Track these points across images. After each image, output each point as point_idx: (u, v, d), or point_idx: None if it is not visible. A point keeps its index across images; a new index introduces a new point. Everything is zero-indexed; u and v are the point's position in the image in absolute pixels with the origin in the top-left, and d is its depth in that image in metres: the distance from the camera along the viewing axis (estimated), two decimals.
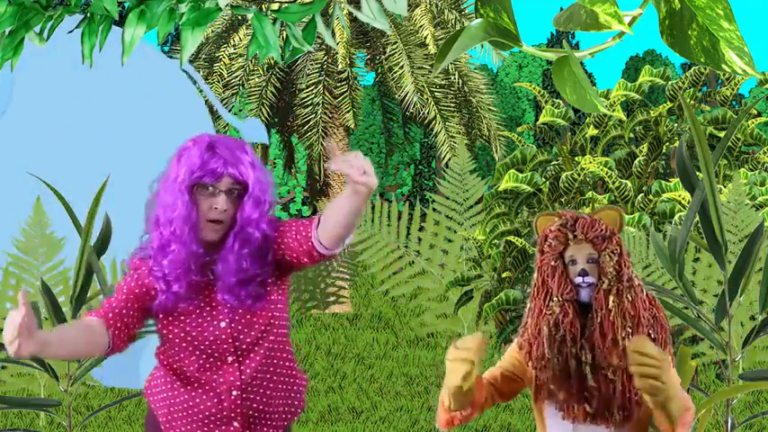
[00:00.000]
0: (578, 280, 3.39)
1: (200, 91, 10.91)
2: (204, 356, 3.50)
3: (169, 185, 3.37)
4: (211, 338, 3.47)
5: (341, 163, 3.09)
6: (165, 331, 3.51)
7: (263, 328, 3.49)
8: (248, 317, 3.48)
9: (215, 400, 3.51)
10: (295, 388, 3.66)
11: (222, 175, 3.33)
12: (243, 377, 3.49)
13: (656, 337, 3.39)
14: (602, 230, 3.40)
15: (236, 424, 3.53)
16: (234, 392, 3.50)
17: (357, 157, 3.09)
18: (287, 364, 3.62)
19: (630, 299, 3.39)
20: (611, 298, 3.37)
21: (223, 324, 3.47)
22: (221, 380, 3.51)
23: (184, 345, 3.49)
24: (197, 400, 3.52)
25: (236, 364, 3.50)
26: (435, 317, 12.95)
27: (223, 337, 3.47)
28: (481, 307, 12.12)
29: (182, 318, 3.47)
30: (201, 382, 3.52)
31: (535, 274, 3.46)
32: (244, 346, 3.50)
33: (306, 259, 3.38)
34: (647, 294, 3.45)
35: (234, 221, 3.38)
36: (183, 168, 3.35)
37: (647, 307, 3.42)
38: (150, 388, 3.65)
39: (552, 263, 3.42)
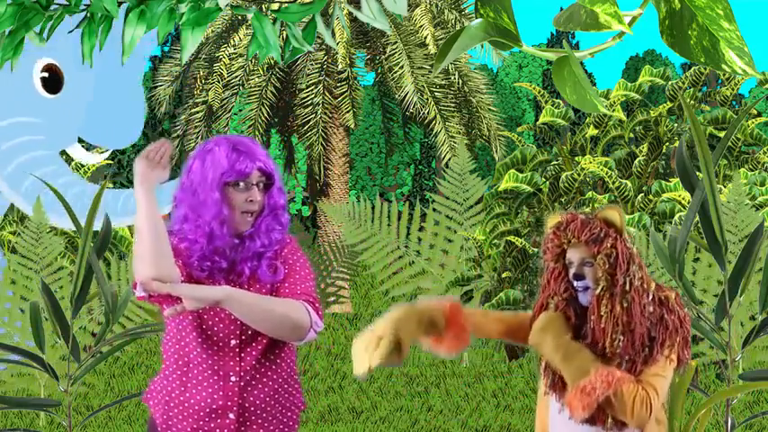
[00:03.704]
0: (575, 283, 3.39)
1: None
2: (208, 339, 3.57)
3: (197, 186, 3.60)
4: (219, 317, 3.55)
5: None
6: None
7: None
8: None
9: (209, 390, 3.56)
10: (292, 399, 3.71)
11: (251, 171, 3.60)
12: (243, 364, 3.57)
13: (656, 337, 3.35)
14: (594, 233, 3.34)
15: (231, 416, 3.57)
16: (233, 378, 3.56)
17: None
18: (288, 370, 3.69)
19: (625, 305, 3.33)
20: (603, 304, 3.34)
21: None
22: (221, 362, 3.57)
23: (194, 324, 3.56)
24: (193, 391, 3.58)
25: (237, 350, 3.57)
26: None
27: (232, 317, 3.53)
28: (481, 307, 12.12)
29: None
30: (202, 368, 3.57)
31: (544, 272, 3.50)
32: (249, 332, 3.57)
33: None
34: (652, 297, 3.37)
35: (262, 210, 3.66)
36: (210, 170, 3.58)
37: (647, 312, 3.35)
38: (150, 392, 3.72)
39: (552, 264, 3.43)
